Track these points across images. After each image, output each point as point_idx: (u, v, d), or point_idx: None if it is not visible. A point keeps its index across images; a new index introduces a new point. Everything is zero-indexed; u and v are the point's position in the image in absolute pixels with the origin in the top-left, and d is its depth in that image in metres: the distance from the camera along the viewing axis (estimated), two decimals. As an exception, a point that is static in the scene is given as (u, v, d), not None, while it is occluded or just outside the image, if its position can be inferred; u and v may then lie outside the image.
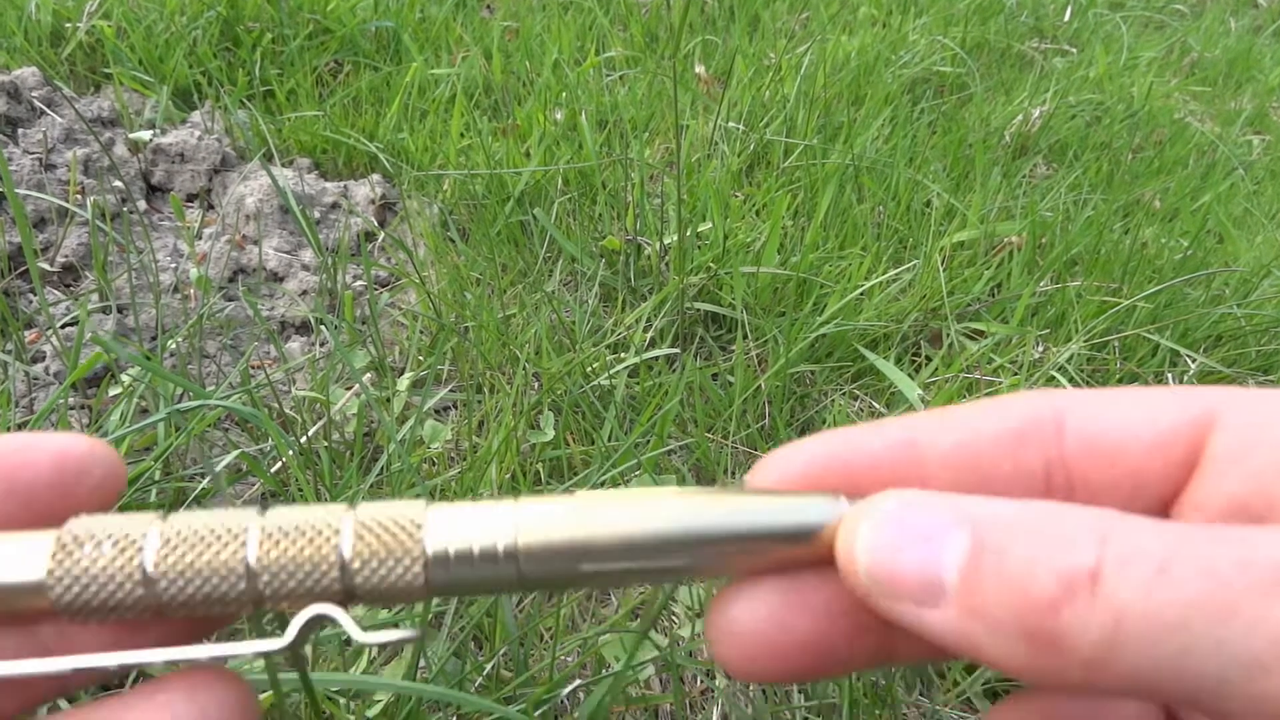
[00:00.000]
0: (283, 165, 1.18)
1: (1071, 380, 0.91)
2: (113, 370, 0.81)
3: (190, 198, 1.12)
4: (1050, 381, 0.91)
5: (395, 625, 0.63)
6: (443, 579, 0.21)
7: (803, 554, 0.22)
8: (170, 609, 0.22)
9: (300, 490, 0.68)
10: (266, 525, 0.22)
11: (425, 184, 1.16)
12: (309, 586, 0.22)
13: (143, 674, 0.55)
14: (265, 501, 0.24)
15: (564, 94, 1.34)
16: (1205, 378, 0.98)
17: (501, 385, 0.85)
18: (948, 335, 0.97)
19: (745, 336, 0.90)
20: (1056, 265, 1.10)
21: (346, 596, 0.22)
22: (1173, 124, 1.66)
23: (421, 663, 0.55)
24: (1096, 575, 0.19)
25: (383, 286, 1.03)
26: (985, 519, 0.20)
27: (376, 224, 1.10)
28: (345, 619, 0.22)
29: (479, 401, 0.84)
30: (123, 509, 0.70)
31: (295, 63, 1.34)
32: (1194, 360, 0.96)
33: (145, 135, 1.13)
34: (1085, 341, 0.95)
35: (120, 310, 0.90)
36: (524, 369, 0.83)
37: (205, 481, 0.69)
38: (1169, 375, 0.96)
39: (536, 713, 0.54)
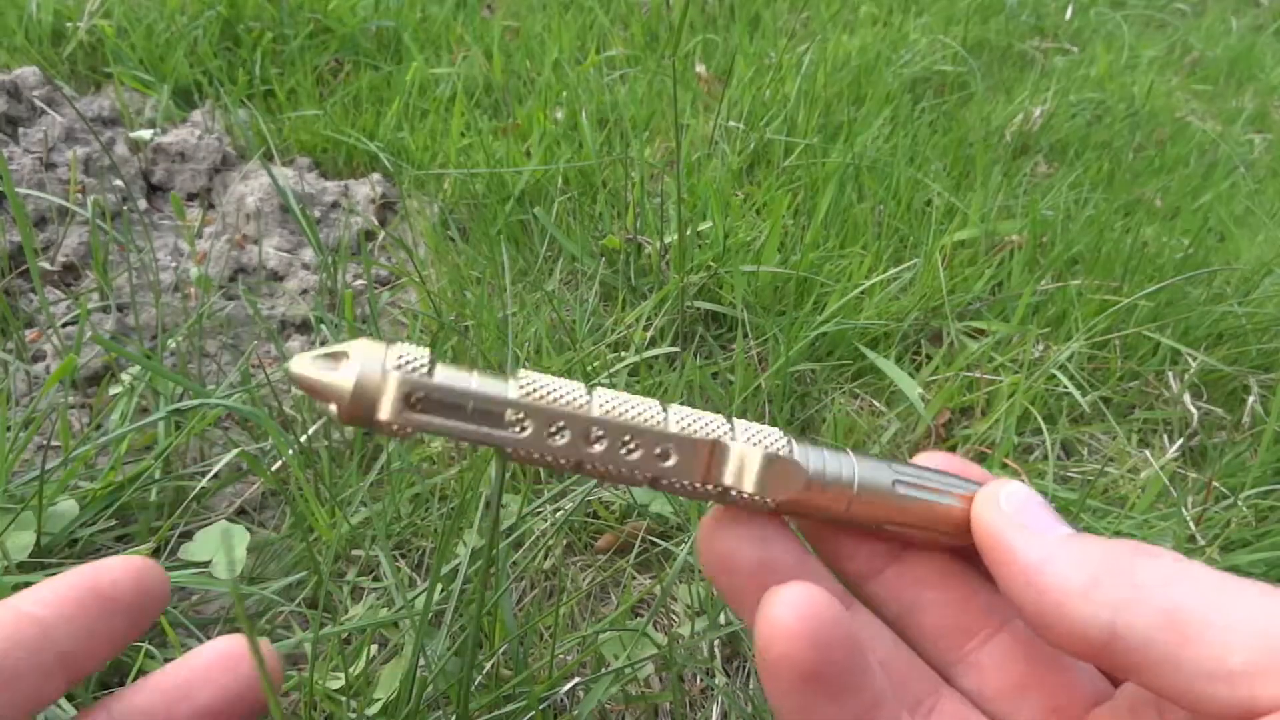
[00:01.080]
0: (283, 164, 1.18)
1: (1072, 378, 0.91)
2: (113, 369, 0.81)
3: (190, 197, 1.12)
4: (1051, 380, 0.91)
5: (396, 625, 0.64)
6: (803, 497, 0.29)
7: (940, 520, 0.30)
8: (590, 468, 0.27)
9: (300, 489, 0.68)
10: (673, 417, 0.28)
11: (425, 183, 1.16)
12: (697, 481, 0.28)
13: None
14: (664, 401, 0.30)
15: (564, 93, 1.34)
16: (1207, 376, 0.97)
17: (501, 384, 0.85)
18: (948, 334, 0.97)
19: (745, 335, 0.90)
20: (1057, 264, 1.10)
21: (722, 494, 0.28)
22: (1174, 123, 1.66)
23: (421, 661, 0.55)
24: (1180, 556, 0.25)
25: (383, 285, 1.03)
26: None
27: (377, 223, 1.10)
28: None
29: (479, 400, 0.84)
30: (122, 506, 0.69)
31: (296, 62, 1.34)
32: (1195, 359, 0.96)
33: (146, 134, 1.13)
34: (1086, 340, 0.95)
35: (120, 309, 0.90)
36: (524, 368, 0.83)
37: (205, 480, 0.69)
38: (1170, 374, 0.96)
39: (537, 709, 0.54)
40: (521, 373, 0.27)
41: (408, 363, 0.25)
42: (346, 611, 0.64)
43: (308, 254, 1.03)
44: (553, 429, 0.26)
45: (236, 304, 0.95)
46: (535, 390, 0.26)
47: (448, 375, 0.26)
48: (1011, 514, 0.28)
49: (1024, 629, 0.30)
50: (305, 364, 0.26)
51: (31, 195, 0.96)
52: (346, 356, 0.26)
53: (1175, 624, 0.23)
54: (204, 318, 0.87)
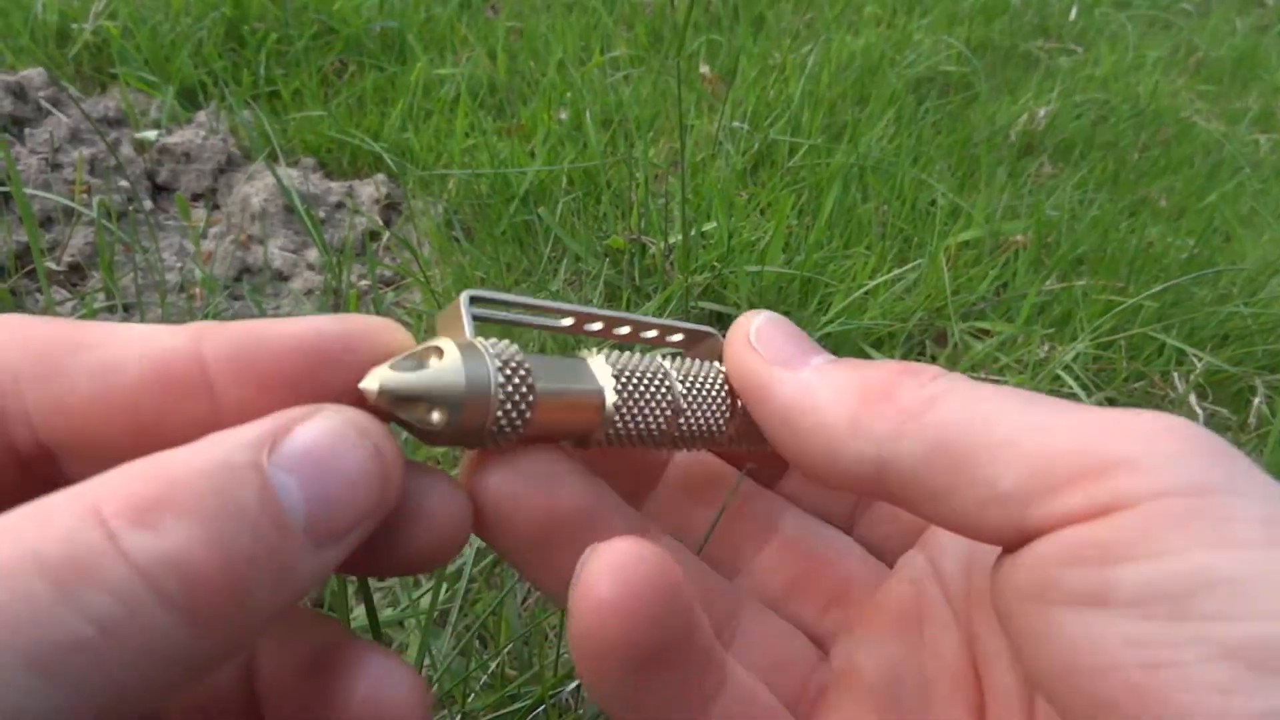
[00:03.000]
0: (288, 165, 1.18)
1: (1077, 379, 0.91)
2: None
3: (195, 197, 1.12)
4: (1056, 380, 0.91)
5: (401, 624, 0.64)
6: None
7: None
8: (682, 440, 0.27)
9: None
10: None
11: (430, 183, 1.16)
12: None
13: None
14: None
15: (568, 93, 1.34)
16: (1212, 377, 0.97)
17: (506, 384, 0.85)
18: (953, 334, 0.97)
19: (750, 335, 0.90)
20: (1062, 264, 1.10)
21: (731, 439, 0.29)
22: (1179, 123, 1.65)
23: (426, 660, 0.55)
24: (942, 372, 0.24)
25: (387, 286, 1.03)
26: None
27: (381, 223, 1.10)
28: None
29: (483, 400, 0.84)
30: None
31: (300, 63, 1.34)
32: (1200, 359, 0.95)
33: (151, 135, 1.13)
34: (1091, 340, 0.95)
35: (126, 309, 0.90)
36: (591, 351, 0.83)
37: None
38: (1175, 375, 0.96)
39: (539, 709, 0.54)
40: (593, 356, 0.26)
41: (507, 356, 0.23)
42: (350, 612, 0.64)
43: (313, 254, 1.03)
44: (649, 405, 0.26)
45: (241, 304, 0.95)
46: (626, 374, 0.26)
47: (544, 370, 0.24)
48: (763, 351, 0.26)
49: (792, 530, 0.30)
50: (389, 374, 0.21)
51: (37, 195, 0.96)
52: (437, 353, 0.22)
53: (941, 452, 0.22)
54: (209, 318, 0.87)
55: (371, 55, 1.41)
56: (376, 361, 0.22)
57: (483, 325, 0.25)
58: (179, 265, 0.99)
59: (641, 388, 0.26)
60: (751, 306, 0.94)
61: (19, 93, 1.09)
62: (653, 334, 0.29)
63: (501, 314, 0.26)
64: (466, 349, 0.22)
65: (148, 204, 1.07)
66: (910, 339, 0.98)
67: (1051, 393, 0.90)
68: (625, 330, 0.28)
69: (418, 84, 1.31)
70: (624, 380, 0.25)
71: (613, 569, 0.21)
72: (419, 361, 0.22)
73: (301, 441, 0.18)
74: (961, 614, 0.27)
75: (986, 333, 0.99)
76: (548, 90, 1.34)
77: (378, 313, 0.88)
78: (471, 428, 0.22)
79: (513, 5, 1.68)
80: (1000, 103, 1.57)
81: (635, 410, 0.25)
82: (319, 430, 0.19)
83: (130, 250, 0.96)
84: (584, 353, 0.26)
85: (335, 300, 0.97)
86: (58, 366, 0.19)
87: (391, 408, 0.21)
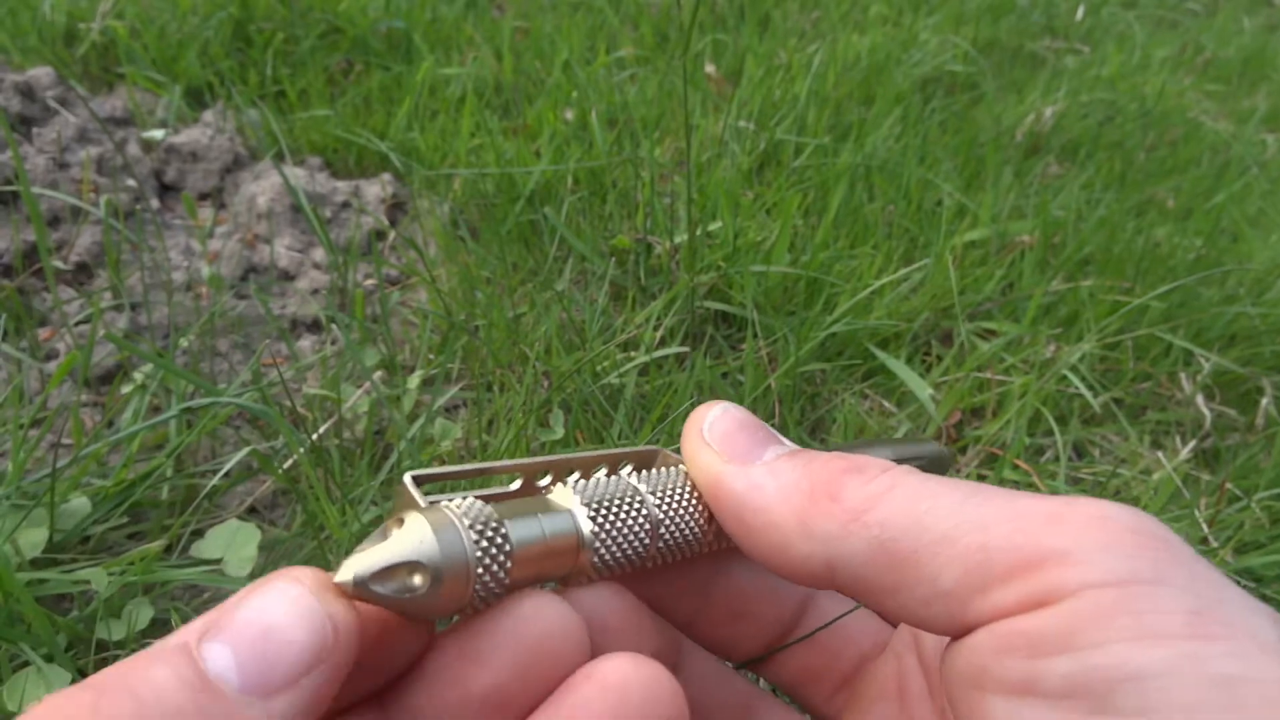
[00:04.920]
0: (294, 164, 1.18)
1: (1084, 379, 0.91)
2: (125, 368, 0.82)
3: (202, 196, 1.12)
4: (1062, 381, 0.91)
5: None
6: None
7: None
8: (668, 552, 0.27)
9: (311, 487, 0.69)
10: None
11: (436, 183, 1.16)
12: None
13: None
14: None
15: (574, 93, 1.34)
16: (1220, 377, 0.97)
17: (511, 383, 0.85)
18: (959, 334, 0.96)
19: (755, 335, 0.90)
20: (1069, 264, 1.10)
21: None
22: (1186, 123, 1.65)
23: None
24: (888, 467, 0.24)
25: (393, 285, 1.03)
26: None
27: (387, 223, 1.10)
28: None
29: (489, 400, 0.84)
30: (134, 504, 0.70)
31: (307, 62, 1.34)
32: (1208, 360, 0.95)
33: (158, 134, 1.14)
34: (1098, 341, 0.95)
35: (133, 308, 0.90)
36: (534, 367, 0.83)
37: (217, 479, 0.70)
38: (1183, 375, 0.96)
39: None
40: (567, 489, 0.26)
41: (474, 514, 0.23)
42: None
43: (319, 253, 1.03)
44: (629, 539, 0.26)
45: (248, 303, 0.96)
46: (597, 501, 0.26)
47: (517, 518, 0.24)
48: (716, 445, 0.27)
49: (817, 618, 0.30)
50: (356, 556, 0.22)
51: (45, 195, 0.97)
52: (398, 523, 0.23)
53: (884, 552, 0.22)
54: (216, 317, 0.87)
55: (378, 55, 1.41)
56: None
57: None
58: (185, 264, 0.99)
59: (615, 512, 0.25)
60: (758, 306, 0.94)
61: (27, 92, 1.09)
62: (603, 470, 0.28)
63: (442, 492, 0.27)
64: (431, 513, 0.23)
65: (154, 203, 1.08)
66: (916, 339, 0.98)
67: (1058, 393, 0.90)
68: (575, 475, 0.28)
69: (424, 84, 1.31)
70: (596, 508, 0.25)
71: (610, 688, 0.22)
72: (383, 534, 0.22)
73: (238, 612, 0.20)
74: (935, 686, 0.28)
75: (993, 333, 0.99)
76: (553, 90, 1.34)
77: (383, 313, 0.88)
78: (456, 590, 0.22)
79: (519, 5, 1.68)
80: (1007, 102, 1.56)
81: (614, 536, 0.25)
82: (255, 597, 0.20)
83: (137, 249, 0.97)
84: (547, 482, 0.27)
85: (341, 299, 0.97)
86: None
87: (374, 592, 0.21)
